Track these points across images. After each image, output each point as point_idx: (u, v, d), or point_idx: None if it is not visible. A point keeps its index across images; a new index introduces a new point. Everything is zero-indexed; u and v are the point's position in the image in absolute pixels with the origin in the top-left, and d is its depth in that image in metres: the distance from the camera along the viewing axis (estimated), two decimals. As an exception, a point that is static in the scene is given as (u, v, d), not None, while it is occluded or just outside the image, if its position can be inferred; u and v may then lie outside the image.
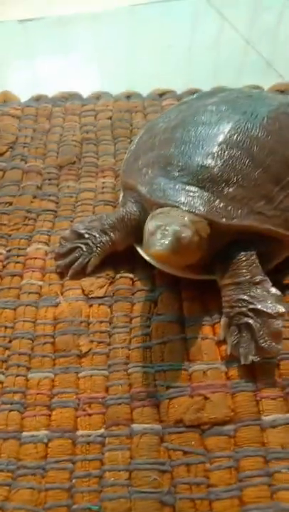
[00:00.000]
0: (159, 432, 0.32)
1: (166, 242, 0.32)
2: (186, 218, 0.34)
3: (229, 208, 0.36)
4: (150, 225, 0.34)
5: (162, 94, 0.60)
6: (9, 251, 0.43)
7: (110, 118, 0.56)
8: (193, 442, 0.31)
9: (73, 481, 0.30)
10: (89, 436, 0.32)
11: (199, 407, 0.32)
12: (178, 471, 0.30)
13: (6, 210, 0.46)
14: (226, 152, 0.37)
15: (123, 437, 0.32)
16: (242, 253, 0.36)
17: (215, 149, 0.37)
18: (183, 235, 0.33)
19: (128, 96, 0.60)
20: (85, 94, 0.62)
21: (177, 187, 0.37)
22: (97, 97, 0.60)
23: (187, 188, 0.37)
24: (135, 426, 0.32)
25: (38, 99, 0.60)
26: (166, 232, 0.32)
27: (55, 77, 0.69)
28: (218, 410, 0.32)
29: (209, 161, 0.37)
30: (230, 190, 0.36)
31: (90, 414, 0.33)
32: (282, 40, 0.76)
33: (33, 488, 0.29)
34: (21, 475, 0.30)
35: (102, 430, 0.32)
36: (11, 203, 0.47)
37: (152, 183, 0.38)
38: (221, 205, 0.36)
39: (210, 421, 0.32)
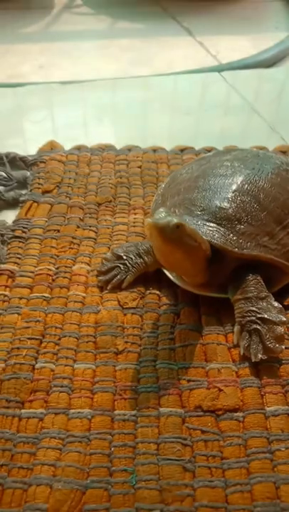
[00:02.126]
0: (182, 415, 0.39)
1: (166, 220, 0.38)
2: None
3: (240, 240, 0.45)
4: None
5: (183, 150, 0.71)
6: (58, 268, 0.52)
7: (140, 167, 0.67)
8: (209, 424, 0.38)
9: (112, 449, 0.37)
10: (124, 415, 0.39)
11: (215, 396, 0.40)
12: (197, 446, 0.37)
13: (54, 236, 0.55)
14: (239, 198, 0.47)
15: (152, 417, 0.38)
16: (250, 274, 0.45)
17: (230, 195, 0.47)
18: (185, 224, 0.39)
19: (154, 150, 0.71)
20: (118, 147, 0.73)
21: (199, 222, 0.46)
22: (129, 149, 0.71)
23: (207, 224, 0.46)
24: (162, 409, 0.39)
25: (79, 148, 0.71)
26: (172, 216, 0.38)
27: (92, 133, 0.81)
28: (230, 400, 0.39)
29: (225, 204, 0.47)
30: (242, 227, 0.46)
31: (125, 399, 0.40)
32: (284, 108, 0.89)
33: (80, 452, 0.36)
34: (70, 442, 0.37)
35: (135, 411, 0.39)
36: (58, 231, 0.56)
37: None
38: (234, 238, 0.45)
39: (223, 408, 0.39)
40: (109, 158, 0.69)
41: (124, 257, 0.50)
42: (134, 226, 0.57)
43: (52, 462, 0.35)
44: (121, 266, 0.49)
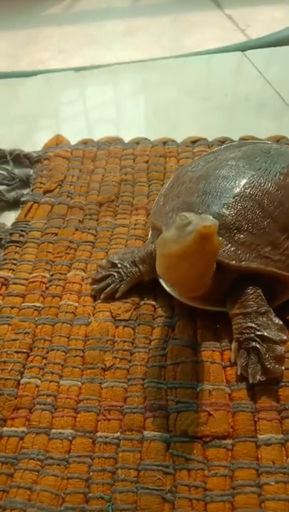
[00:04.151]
0: (166, 440, 0.37)
1: (211, 217, 0.34)
2: None
3: (239, 251, 0.42)
4: (179, 218, 0.35)
5: (194, 142, 0.67)
6: (52, 275, 0.50)
7: (147, 162, 0.64)
8: (195, 451, 0.36)
9: (91, 473, 0.35)
10: (107, 437, 0.37)
11: (203, 421, 0.37)
12: (180, 475, 0.35)
13: (52, 240, 0.54)
14: (240, 203, 0.43)
15: (135, 441, 0.37)
16: (250, 287, 0.41)
17: (230, 201, 0.43)
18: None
19: (164, 142, 0.67)
20: (128, 137, 0.69)
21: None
22: (137, 142, 0.68)
23: None
24: (146, 433, 0.37)
25: (85, 142, 0.69)
26: (203, 216, 0.35)
27: (103, 122, 0.78)
28: (219, 426, 0.37)
29: (224, 211, 0.43)
30: (241, 236, 0.42)
31: (108, 420, 0.38)
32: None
33: (56, 476, 0.35)
34: (48, 464, 0.36)
35: (118, 434, 0.37)
36: (56, 234, 0.54)
37: (175, 226, 0.45)
38: (232, 249, 0.42)
39: (211, 434, 0.36)
40: (115, 152, 0.66)
41: (119, 265, 0.47)
42: (134, 228, 0.54)
43: (28, 485, 0.35)
44: (115, 274, 0.47)
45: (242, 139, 0.66)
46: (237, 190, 0.44)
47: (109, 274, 0.48)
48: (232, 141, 0.66)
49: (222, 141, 0.66)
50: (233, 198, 0.44)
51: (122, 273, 0.47)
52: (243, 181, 0.45)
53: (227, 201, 0.43)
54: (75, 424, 0.38)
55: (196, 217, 0.35)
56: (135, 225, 0.55)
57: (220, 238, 0.42)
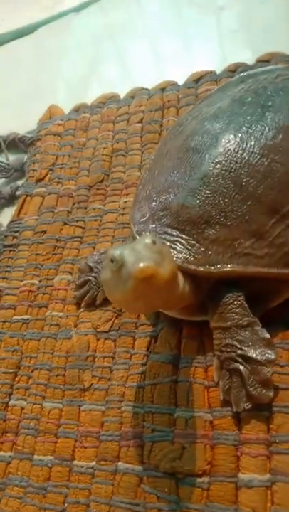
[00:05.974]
0: (139, 474, 0.34)
1: (145, 254, 0.27)
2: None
3: (209, 252, 0.33)
4: (108, 258, 0.28)
5: (198, 80, 0.54)
6: (40, 281, 0.48)
7: (141, 120, 0.54)
8: (166, 489, 0.33)
9: (65, 505, 0.35)
10: (82, 467, 0.36)
11: (176, 456, 0.33)
12: (149, 514, 0.32)
13: (41, 240, 0.51)
14: (209, 187, 0.33)
15: (108, 473, 0.35)
16: (229, 295, 0.33)
17: (196, 185, 0.34)
18: (155, 241, 0.28)
19: (163, 88, 0.56)
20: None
21: (159, 230, 0.35)
22: (132, 96, 0.58)
23: (168, 231, 0.35)
24: (120, 464, 0.35)
25: (77, 109, 0.61)
26: (138, 247, 0.28)
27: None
28: (194, 462, 0.32)
29: (189, 200, 0.34)
30: (212, 231, 0.33)
31: (85, 447, 0.37)
32: None
33: (35, 505, 0.36)
34: (29, 492, 0.37)
35: (93, 463, 0.36)
36: (45, 232, 0.51)
37: (140, 222, 0.37)
38: (201, 249, 0.33)
39: (184, 471, 0.32)
40: (109, 115, 0.57)
41: (95, 269, 0.43)
42: (123, 214, 0.48)
43: (11, 514, 0.36)
44: (92, 280, 0.43)
45: (260, 60, 0.51)
46: (207, 167, 0.34)
47: (87, 280, 0.43)
48: (246, 67, 0.51)
49: (233, 71, 0.52)
50: (201, 180, 0.34)
51: (98, 278, 0.42)
52: (215, 153, 0.34)
53: (193, 185, 0.34)
54: (54, 450, 0.38)
55: (127, 255, 0.27)
56: (124, 209, 0.48)
57: (185, 237, 0.34)
